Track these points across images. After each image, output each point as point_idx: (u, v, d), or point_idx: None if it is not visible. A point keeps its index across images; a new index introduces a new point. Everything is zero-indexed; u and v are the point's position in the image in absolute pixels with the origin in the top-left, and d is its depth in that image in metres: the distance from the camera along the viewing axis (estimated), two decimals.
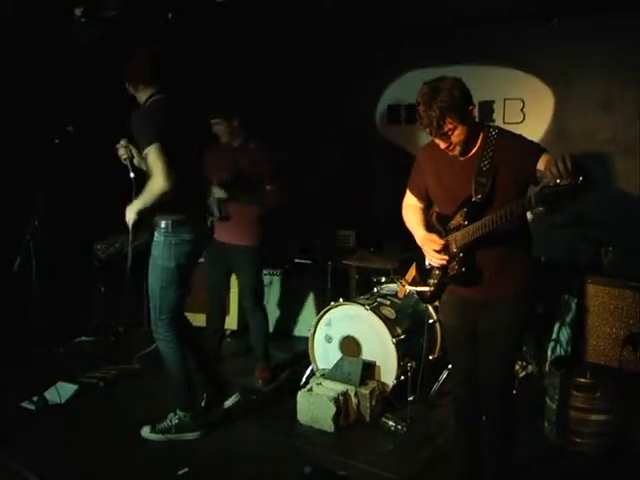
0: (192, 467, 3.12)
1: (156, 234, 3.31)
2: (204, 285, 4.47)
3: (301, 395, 3.67)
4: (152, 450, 3.34)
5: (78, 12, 4.23)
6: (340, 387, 3.67)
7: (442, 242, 2.60)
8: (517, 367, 4.09)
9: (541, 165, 2.32)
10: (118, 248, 5.06)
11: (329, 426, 3.53)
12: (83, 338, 5.06)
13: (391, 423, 3.54)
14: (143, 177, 3.22)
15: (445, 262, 2.62)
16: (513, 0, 4.50)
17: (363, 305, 3.94)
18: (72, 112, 4.49)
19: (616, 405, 3.26)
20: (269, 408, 3.88)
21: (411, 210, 2.89)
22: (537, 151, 2.39)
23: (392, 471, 3.11)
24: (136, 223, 3.19)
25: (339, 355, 3.94)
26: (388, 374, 3.83)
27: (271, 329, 5.39)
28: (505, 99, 5.12)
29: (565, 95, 4.92)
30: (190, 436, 3.42)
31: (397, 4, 4.65)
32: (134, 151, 3.34)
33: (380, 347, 3.84)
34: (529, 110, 5.05)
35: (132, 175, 3.32)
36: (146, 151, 3.06)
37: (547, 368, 3.97)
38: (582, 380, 3.28)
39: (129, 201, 3.20)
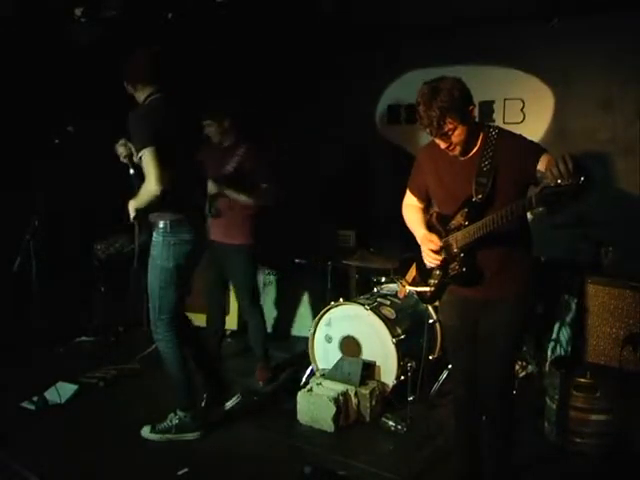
0: (192, 467, 3.13)
1: (155, 234, 3.31)
2: (203, 285, 4.47)
3: (301, 395, 3.67)
4: (152, 450, 3.34)
5: (78, 12, 4.23)
6: (340, 387, 3.67)
7: (439, 243, 2.61)
8: (517, 367, 4.09)
9: (541, 165, 2.32)
10: (118, 248, 5.07)
11: (329, 426, 3.53)
12: (83, 338, 5.06)
13: (391, 423, 3.55)
14: (143, 173, 3.23)
15: (440, 262, 2.63)
16: (513, 0, 4.50)
17: (363, 305, 3.94)
18: (72, 112, 4.49)
19: (616, 405, 3.26)
20: (269, 408, 3.89)
21: (411, 210, 2.89)
22: (537, 151, 2.39)
23: (392, 471, 3.11)
24: (139, 219, 3.25)
25: (339, 355, 3.95)
26: (388, 374, 3.83)
27: (271, 329, 5.43)
28: (505, 99, 5.11)
29: (565, 95, 4.92)
30: (190, 436, 3.42)
31: (397, 4, 4.65)
32: (133, 148, 3.35)
33: (380, 347, 3.84)
34: (529, 110, 5.04)
35: (132, 171, 3.35)
36: (140, 154, 3.08)
37: (547, 368, 3.98)
38: (582, 380, 3.29)
39: (131, 197, 3.22)
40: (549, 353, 4.29)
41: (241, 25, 4.93)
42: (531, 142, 2.48)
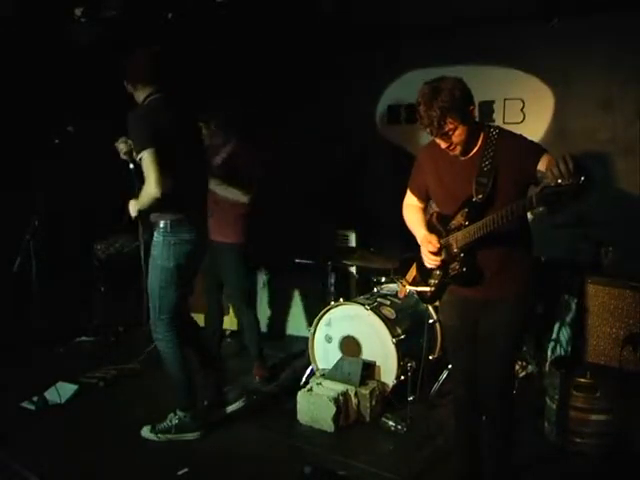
0: (192, 467, 3.13)
1: (155, 234, 3.31)
2: (203, 285, 4.48)
3: (301, 395, 3.67)
4: (152, 450, 3.34)
5: (78, 12, 4.23)
6: (340, 387, 3.67)
7: (438, 244, 2.62)
8: (517, 367, 4.09)
9: (542, 166, 2.32)
10: (118, 248, 5.08)
11: (329, 426, 3.53)
12: (83, 338, 5.07)
13: (391, 423, 3.55)
14: (142, 172, 3.25)
15: (439, 263, 2.64)
16: (513, 0, 4.50)
17: (363, 305, 3.94)
18: (72, 112, 4.49)
19: (616, 405, 3.26)
20: (269, 408, 3.89)
21: (412, 210, 2.89)
22: (538, 152, 2.39)
23: (392, 471, 3.11)
24: (141, 218, 3.27)
25: (339, 355, 3.95)
26: (388, 374, 3.83)
27: (272, 329, 5.44)
28: (505, 99, 5.11)
29: (565, 95, 4.92)
30: (190, 436, 3.42)
31: (397, 4, 4.65)
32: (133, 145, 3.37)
33: (380, 347, 3.84)
34: (529, 110, 5.04)
35: (131, 166, 3.36)
36: (140, 155, 3.08)
37: (547, 368, 3.97)
38: (582, 380, 3.29)
39: (131, 192, 3.24)
40: (549, 353, 4.28)
41: (241, 25, 4.93)
42: (531, 142, 2.48)
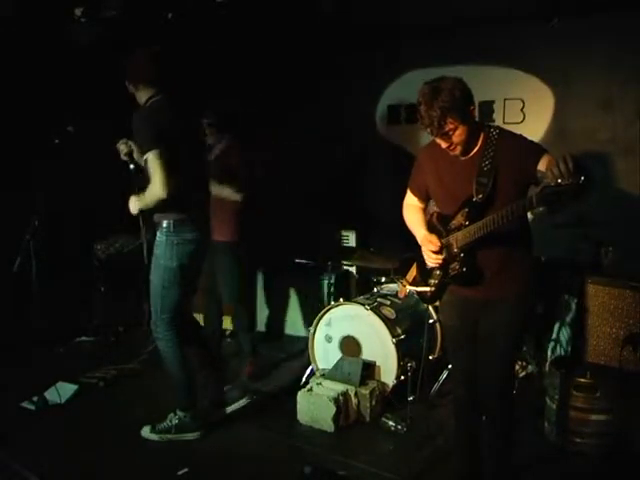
0: (192, 467, 3.13)
1: (158, 234, 3.32)
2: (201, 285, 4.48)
3: (301, 395, 3.67)
4: (152, 450, 3.34)
5: (78, 12, 4.23)
6: (340, 387, 3.67)
7: (439, 244, 2.61)
8: (517, 367, 4.09)
9: (542, 166, 2.32)
10: (118, 248, 5.08)
11: (329, 426, 3.53)
12: (83, 338, 5.07)
13: (391, 423, 3.54)
14: (142, 170, 3.26)
15: (441, 262, 2.64)
16: (513, 0, 4.50)
17: (363, 305, 3.94)
18: (72, 112, 4.50)
19: (616, 405, 3.26)
20: (269, 408, 3.88)
21: (412, 210, 2.89)
22: (538, 152, 2.39)
23: (392, 471, 3.11)
24: (144, 217, 3.28)
25: (339, 355, 3.94)
26: (388, 374, 3.82)
27: (270, 329, 5.44)
28: (505, 99, 5.11)
29: (565, 95, 4.92)
30: (190, 436, 3.42)
31: (397, 4, 4.65)
32: (134, 146, 3.38)
33: (380, 347, 3.84)
34: (529, 110, 5.04)
35: (132, 167, 3.37)
36: (145, 156, 3.09)
37: (547, 368, 3.97)
38: (582, 380, 3.28)
39: (131, 192, 3.24)
40: (549, 353, 4.28)
41: (241, 25, 4.93)
42: (532, 142, 2.49)
